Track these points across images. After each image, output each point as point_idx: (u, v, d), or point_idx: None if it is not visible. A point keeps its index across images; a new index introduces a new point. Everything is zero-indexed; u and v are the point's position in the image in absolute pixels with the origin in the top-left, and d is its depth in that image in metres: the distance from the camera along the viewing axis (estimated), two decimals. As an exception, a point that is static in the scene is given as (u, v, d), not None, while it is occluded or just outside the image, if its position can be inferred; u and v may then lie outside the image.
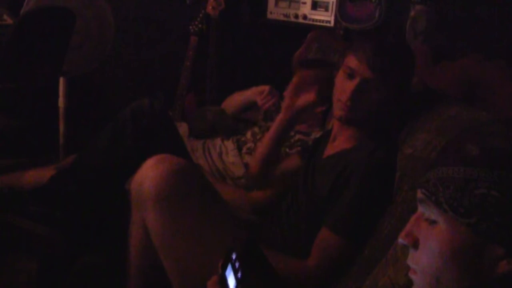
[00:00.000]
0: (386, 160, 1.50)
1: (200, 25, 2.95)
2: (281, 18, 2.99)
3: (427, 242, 0.85)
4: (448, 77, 1.87)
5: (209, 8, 2.96)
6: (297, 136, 2.14)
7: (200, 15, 2.97)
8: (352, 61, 1.51)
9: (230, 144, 2.25)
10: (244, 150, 2.21)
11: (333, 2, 2.77)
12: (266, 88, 2.36)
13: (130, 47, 3.27)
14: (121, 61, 3.23)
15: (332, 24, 2.81)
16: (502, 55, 2.02)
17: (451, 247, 0.82)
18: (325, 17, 2.83)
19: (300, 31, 2.77)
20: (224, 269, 0.99)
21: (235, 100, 2.54)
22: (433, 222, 0.85)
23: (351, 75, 1.51)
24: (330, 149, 1.65)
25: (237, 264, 0.97)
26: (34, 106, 2.77)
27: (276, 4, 3.01)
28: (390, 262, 1.21)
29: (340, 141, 1.63)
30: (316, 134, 2.09)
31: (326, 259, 1.45)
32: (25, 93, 2.65)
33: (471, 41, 2.29)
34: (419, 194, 0.87)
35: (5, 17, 2.74)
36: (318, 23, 2.85)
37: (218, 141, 2.30)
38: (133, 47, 3.28)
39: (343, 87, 1.52)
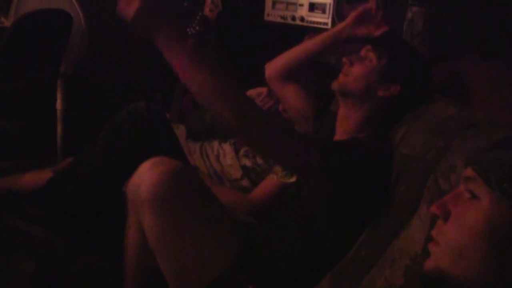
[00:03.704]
0: (376, 147, 1.51)
1: (197, 28, 2.95)
2: (278, 20, 2.99)
3: (461, 216, 0.87)
4: (446, 78, 1.87)
5: (207, 10, 2.96)
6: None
7: (198, 17, 2.97)
8: None
9: (227, 147, 2.25)
10: (241, 152, 2.21)
11: (330, 4, 2.77)
12: (263, 90, 2.36)
13: (127, 49, 3.27)
14: (119, 63, 3.23)
15: (329, 26, 2.81)
16: (499, 56, 2.03)
17: (488, 225, 0.83)
18: (323, 19, 2.83)
19: (298, 33, 2.77)
20: None
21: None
22: (475, 197, 0.86)
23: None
24: None
25: None
26: (32, 108, 2.77)
27: (273, 6, 3.01)
28: (387, 263, 1.21)
29: (337, 135, 1.65)
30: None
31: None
32: (23, 95, 2.65)
33: (468, 42, 2.29)
34: (469, 171, 0.88)
35: (2, 19, 2.74)
36: (316, 25, 2.86)
37: (215, 143, 2.30)
38: (130, 49, 3.28)
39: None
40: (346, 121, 1.65)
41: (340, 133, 1.66)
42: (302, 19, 2.90)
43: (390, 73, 1.58)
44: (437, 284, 0.88)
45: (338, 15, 2.63)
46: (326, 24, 2.82)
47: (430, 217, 1.11)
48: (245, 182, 2.13)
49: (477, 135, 1.25)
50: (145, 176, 1.37)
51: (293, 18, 2.93)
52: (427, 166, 1.32)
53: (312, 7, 2.86)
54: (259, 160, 2.14)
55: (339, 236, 1.47)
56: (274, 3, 3.01)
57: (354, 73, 1.61)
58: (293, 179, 1.92)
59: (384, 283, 1.18)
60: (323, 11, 2.82)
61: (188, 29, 2.94)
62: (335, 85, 1.64)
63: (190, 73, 1.25)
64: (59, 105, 2.76)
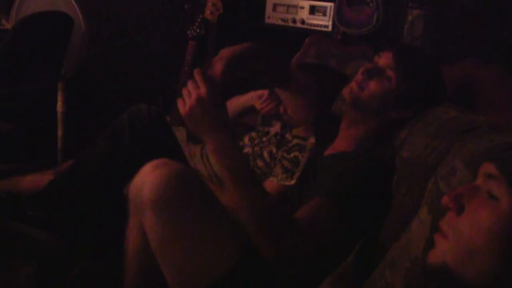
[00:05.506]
0: (384, 158, 1.51)
1: (198, 30, 2.96)
2: (279, 22, 3.00)
3: (476, 213, 0.83)
4: (446, 82, 1.87)
5: (207, 13, 2.97)
6: (295, 141, 2.14)
7: (198, 19, 2.97)
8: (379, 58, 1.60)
9: (228, 149, 2.25)
10: (242, 154, 2.21)
11: (331, 7, 2.78)
12: (265, 92, 2.36)
13: (128, 52, 3.27)
14: (119, 66, 3.24)
15: (330, 28, 2.82)
16: (500, 59, 2.03)
17: (505, 229, 0.80)
18: (323, 21, 2.84)
19: (298, 35, 2.78)
20: None
21: (233, 105, 2.55)
22: (493, 197, 0.82)
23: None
24: (331, 149, 1.68)
25: None
26: (32, 110, 2.77)
27: (274, 8, 3.02)
28: (387, 266, 1.21)
29: (342, 141, 1.65)
30: (314, 139, 2.09)
31: (312, 220, 1.40)
32: (24, 97, 2.65)
33: (469, 46, 2.29)
34: (492, 168, 0.85)
35: (3, 22, 2.75)
36: (316, 28, 2.86)
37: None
38: (131, 52, 3.29)
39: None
40: (351, 129, 1.64)
41: (343, 137, 1.66)
42: (302, 21, 2.90)
43: (407, 100, 1.55)
44: (439, 277, 0.86)
45: (339, 17, 2.64)
46: (326, 26, 2.83)
47: (430, 221, 1.10)
48: (245, 185, 2.12)
49: (478, 138, 1.25)
50: (147, 178, 1.37)
51: (294, 21, 2.93)
52: (428, 169, 1.32)
53: (313, 10, 2.86)
54: (259, 163, 2.14)
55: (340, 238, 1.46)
56: (274, 6, 3.01)
57: (370, 89, 1.57)
58: (293, 182, 1.92)
59: (384, 285, 1.18)
60: (324, 14, 2.82)
61: (188, 32, 2.95)
62: (346, 94, 1.61)
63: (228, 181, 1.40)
64: (59, 107, 2.76)
